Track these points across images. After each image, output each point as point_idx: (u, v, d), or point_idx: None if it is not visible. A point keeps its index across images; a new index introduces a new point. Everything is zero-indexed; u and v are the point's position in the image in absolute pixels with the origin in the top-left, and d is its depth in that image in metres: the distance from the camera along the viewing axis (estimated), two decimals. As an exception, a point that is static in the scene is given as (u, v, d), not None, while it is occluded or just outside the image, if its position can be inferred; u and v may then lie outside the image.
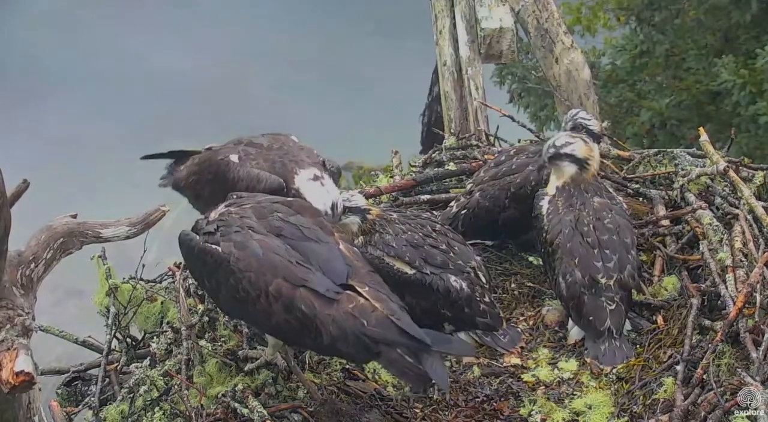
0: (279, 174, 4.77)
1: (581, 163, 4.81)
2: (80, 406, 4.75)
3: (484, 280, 4.75)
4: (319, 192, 4.65)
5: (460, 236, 4.94)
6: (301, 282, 3.84)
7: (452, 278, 4.64)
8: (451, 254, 4.71)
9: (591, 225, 4.68)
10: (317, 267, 3.90)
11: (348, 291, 3.85)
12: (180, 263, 4.88)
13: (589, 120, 5.14)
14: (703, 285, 4.60)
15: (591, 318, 4.52)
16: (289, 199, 4.31)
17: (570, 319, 4.72)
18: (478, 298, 4.67)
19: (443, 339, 3.89)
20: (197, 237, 4.08)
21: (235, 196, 4.34)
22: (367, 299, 3.83)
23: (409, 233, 4.71)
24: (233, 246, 3.94)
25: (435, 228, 4.81)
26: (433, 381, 3.79)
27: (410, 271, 4.62)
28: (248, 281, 3.89)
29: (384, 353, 3.77)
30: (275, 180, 4.75)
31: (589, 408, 4.22)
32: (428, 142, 10.31)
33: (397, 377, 4.08)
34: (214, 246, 3.99)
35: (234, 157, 4.92)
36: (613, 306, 4.51)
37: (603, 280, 4.55)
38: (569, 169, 4.82)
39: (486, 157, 6.14)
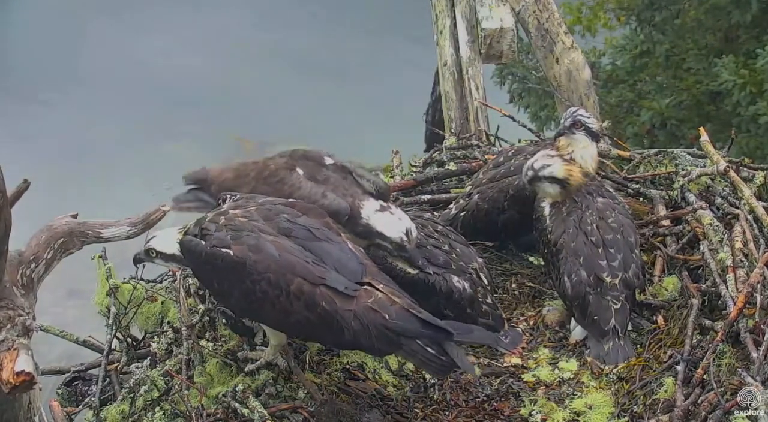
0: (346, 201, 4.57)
1: (562, 183, 4.80)
2: (81, 406, 4.76)
3: (485, 282, 4.74)
4: (390, 221, 4.50)
5: (462, 237, 4.93)
6: (320, 281, 3.87)
7: (455, 278, 4.64)
8: (454, 255, 4.71)
9: (595, 225, 4.68)
10: (332, 266, 3.93)
11: (365, 287, 3.90)
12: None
13: (588, 117, 5.11)
14: (704, 286, 4.60)
15: (596, 317, 4.52)
16: (290, 200, 4.29)
17: (572, 319, 4.71)
18: (480, 299, 4.67)
19: (465, 328, 3.94)
20: (202, 241, 4.07)
21: (229, 196, 4.34)
22: (384, 293, 3.88)
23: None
24: (248, 249, 3.94)
25: (437, 229, 4.81)
26: (460, 369, 3.88)
27: (413, 271, 4.61)
28: (267, 282, 3.89)
29: (405, 345, 3.83)
30: (341, 202, 4.51)
31: (590, 408, 4.22)
32: (432, 141, 10.32)
33: (420, 367, 4.11)
34: (224, 250, 3.97)
35: (300, 170, 4.64)
36: (618, 305, 4.51)
37: (608, 279, 4.55)
38: (551, 189, 4.82)
39: (486, 157, 6.14)
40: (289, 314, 3.91)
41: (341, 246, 4.02)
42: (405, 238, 4.46)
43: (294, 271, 3.88)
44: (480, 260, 4.83)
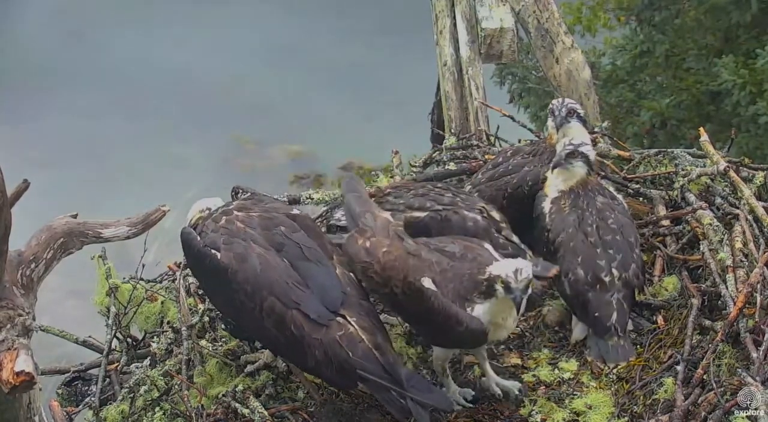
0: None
1: (589, 167, 4.82)
2: (81, 406, 4.77)
3: (498, 217, 4.71)
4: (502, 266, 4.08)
5: (463, 189, 4.95)
6: (294, 305, 3.89)
7: (465, 211, 4.64)
8: (458, 199, 4.73)
9: (594, 225, 4.68)
10: (313, 290, 3.93)
11: (339, 319, 3.89)
12: (180, 263, 4.89)
13: (585, 145, 4.90)
14: (704, 286, 4.60)
15: (597, 314, 4.51)
16: (294, 212, 4.26)
17: (573, 318, 4.71)
18: (494, 231, 4.63)
19: (424, 386, 3.90)
20: (198, 237, 4.08)
21: (241, 191, 4.37)
22: (355, 328, 3.87)
23: (412, 191, 4.78)
24: (233, 257, 3.97)
25: (437, 186, 4.87)
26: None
27: (423, 214, 4.60)
28: (244, 293, 3.93)
29: (367, 380, 3.85)
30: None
31: (590, 408, 4.22)
32: (438, 141, 10.32)
33: (381, 403, 4.05)
34: (213, 251, 4.01)
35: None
36: (617, 305, 4.51)
37: (606, 278, 4.54)
38: (581, 170, 4.81)
39: (486, 157, 6.14)
40: (261, 328, 3.96)
41: (328, 270, 4.01)
42: (512, 277, 3.99)
43: (270, 290, 3.90)
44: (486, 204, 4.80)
